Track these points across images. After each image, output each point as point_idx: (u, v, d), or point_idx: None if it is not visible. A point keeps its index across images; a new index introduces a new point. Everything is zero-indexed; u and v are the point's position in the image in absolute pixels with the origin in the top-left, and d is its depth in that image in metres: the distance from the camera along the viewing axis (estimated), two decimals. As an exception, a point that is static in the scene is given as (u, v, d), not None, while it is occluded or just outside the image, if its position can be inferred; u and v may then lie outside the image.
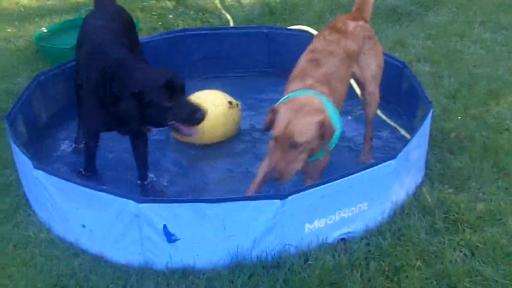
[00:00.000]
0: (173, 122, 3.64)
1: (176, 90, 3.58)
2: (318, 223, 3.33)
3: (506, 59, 5.83)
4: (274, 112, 3.34)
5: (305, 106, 3.32)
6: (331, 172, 3.59)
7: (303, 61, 3.78)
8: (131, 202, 3.10)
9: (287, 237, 3.27)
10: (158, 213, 3.10)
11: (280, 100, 3.51)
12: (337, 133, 3.44)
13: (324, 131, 3.28)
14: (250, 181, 3.68)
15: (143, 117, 3.57)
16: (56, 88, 4.84)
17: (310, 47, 3.88)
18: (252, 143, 4.69)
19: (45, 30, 6.31)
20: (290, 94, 3.53)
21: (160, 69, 3.74)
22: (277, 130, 3.27)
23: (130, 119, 3.60)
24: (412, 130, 4.00)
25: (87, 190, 3.24)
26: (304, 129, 3.26)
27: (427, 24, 6.69)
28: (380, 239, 3.44)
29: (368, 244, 3.43)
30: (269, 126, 3.37)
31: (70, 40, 5.86)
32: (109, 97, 3.65)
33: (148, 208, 3.09)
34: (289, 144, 3.24)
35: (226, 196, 3.43)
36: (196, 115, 3.62)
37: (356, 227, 3.48)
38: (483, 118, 4.77)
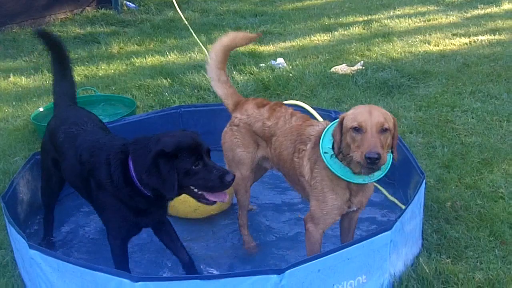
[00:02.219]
0: (197, 188, 3.41)
1: (203, 152, 3.40)
2: (316, 297, 3.30)
3: (497, 127, 5.92)
4: (342, 119, 3.46)
5: (368, 105, 3.50)
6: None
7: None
8: (126, 281, 3.06)
9: (286, 312, 3.23)
10: (154, 291, 3.07)
11: (325, 133, 3.61)
12: (388, 162, 3.50)
13: (395, 123, 3.48)
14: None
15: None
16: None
17: None
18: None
19: (42, 110, 6.39)
20: (328, 127, 3.65)
21: (181, 131, 3.56)
22: (362, 119, 3.34)
23: (168, 185, 3.29)
24: (407, 201, 4.01)
25: (83, 269, 3.20)
26: (388, 116, 3.42)
27: (418, 95, 6.82)
28: (380, 312, 3.41)
29: (367, 318, 3.39)
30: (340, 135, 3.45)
31: (67, 119, 5.96)
32: (138, 176, 3.38)
33: (143, 287, 3.06)
34: (380, 129, 3.33)
35: (226, 271, 3.41)
36: (225, 178, 3.38)
37: (355, 301, 3.44)
38: (477, 187, 4.80)
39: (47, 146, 4.14)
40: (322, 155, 3.54)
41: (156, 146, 3.33)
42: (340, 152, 3.46)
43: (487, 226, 4.27)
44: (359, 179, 3.51)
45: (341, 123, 3.47)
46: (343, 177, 3.50)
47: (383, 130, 3.35)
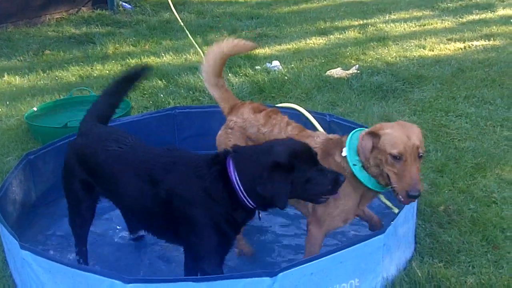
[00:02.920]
0: (313, 194, 3.33)
1: (315, 158, 3.34)
2: (308, 301, 3.30)
3: (490, 132, 5.93)
4: (376, 135, 3.46)
5: (401, 122, 3.56)
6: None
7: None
8: (118, 282, 3.05)
9: (278, 315, 3.22)
10: (145, 293, 3.06)
11: (349, 145, 3.59)
12: None
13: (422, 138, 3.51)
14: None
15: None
16: (46, 167, 4.85)
17: None
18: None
19: (36, 109, 6.38)
20: (355, 132, 3.67)
21: (289, 139, 3.46)
22: (403, 146, 3.36)
23: (282, 197, 3.16)
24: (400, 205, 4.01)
25: (74, 270, 3.19)
26: (421, 138, 3.45)
27: (413, 100, 6.83)
28: (372, 316, 3.41)
29: (359, 322, 3.39)
30: (371, 150, 3.47)
31: (61, 119, 5.95)
32: (247, 187, 3.20)
33: (135, 288, 3.06)
34: (418, 155, 3.38)
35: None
36: (340, 179, 3.33)
37: (348, 304, 3.44)
38: (470, 191, 4.81)
39: (74, 168, 3.76)
40: (352, 167, 3.56)
41: (269, 157, 3.18)
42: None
43: (480, 231, 4.28)
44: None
45: (372, 136, 3.49)
46: (375, 189, 3.61)
47: (420, 157, 3.41)
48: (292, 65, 8.25)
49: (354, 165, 3.56)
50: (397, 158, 3.36)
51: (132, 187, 3.47)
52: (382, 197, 4.69)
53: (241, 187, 3.22)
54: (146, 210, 3.47)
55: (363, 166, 3.54)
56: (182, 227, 3.35)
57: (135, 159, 3.51)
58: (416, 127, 3.52)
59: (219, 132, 4.31)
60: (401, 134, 3.40)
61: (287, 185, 3.16)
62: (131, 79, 4.15)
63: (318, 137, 3.85)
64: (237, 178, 3.22)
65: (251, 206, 3.27)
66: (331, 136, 3.90)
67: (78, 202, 3.82)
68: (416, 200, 4.02)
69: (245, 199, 3.24)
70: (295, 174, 3.18)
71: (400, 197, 3.41)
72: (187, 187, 3.29)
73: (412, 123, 3.66)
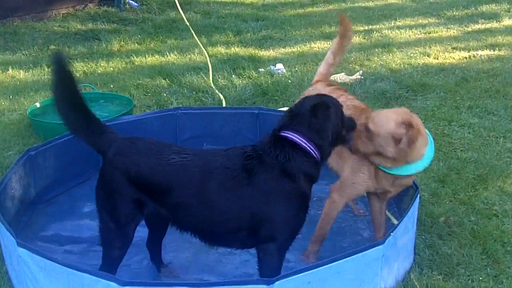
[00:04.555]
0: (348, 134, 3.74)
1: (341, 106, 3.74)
2: (305, 309, 3.28)
3: (493, 144, 5.91)
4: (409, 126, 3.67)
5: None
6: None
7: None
8: (113, 284, 3.04)
9: (274, 323, 3.20)
10: (141, 296, 3.04)
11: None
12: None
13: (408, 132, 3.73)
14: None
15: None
16: (47, 163, 4.84)
17: None
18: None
19: (38, 105, 6.37)
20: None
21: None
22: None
23: (324, 132, 3.50)
24: (400, 215, 3.99)
25: (70, 270, 3.18)
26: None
27: (415, 108, 6.80)
28: (369, 327, 3.38)
29: (356, 333, 3.37)
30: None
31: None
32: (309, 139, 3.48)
33: (131, 291, 3.04)
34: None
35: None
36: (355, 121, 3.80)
37: (344, 314, 3.42)
38: (471, 203, 4.79)
39: (123, 189, 3.48)
40: None
41: (309, 104, 3.56)
42: None
43: (480, 244, 4.26)
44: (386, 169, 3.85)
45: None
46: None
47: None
48: (296, 69, 8.22)
49: None
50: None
51: (213, 195, 3.43)
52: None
53: (306, 143, 3.46)
54: (231, 217, 3.46)
55: None
56: (267, 219, 3.42)
57: (210, 164, 3.47)
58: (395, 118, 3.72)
59: None
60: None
61: (328, 120, 3.52)
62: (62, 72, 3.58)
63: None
64: (305, 141, 3.47)
65: (318, 157, 3.52)
66: None
67: (127, 222, 3.54)
68: (417, 209, 4.03)
69: (313, 152, 3.48)
70: (331, 111, 3.54)
71: None
72: (274, 173, 3.41)
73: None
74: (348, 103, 4.17)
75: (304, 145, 3.46)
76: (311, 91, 4.50)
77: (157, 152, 3.51)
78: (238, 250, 3.90)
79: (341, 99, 4.12)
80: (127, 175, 3.46)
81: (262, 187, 3.40)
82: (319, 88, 4.47)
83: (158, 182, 3.45)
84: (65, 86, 3.54)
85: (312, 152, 3.48)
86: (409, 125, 3.67)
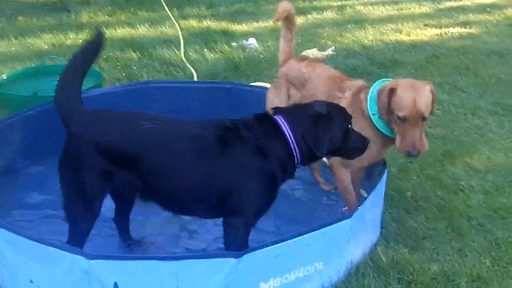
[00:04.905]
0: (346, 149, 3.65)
1: (349, 118, 3.66)
2: (273, 283, 3.29)
3: (461, 120, 5.98)
4: (391, 94, 3.72)
5: (414, 82, 3.82)
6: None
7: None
8: (81, 258, 3.02)
9: (242, 296, 3.23)
10: (109, 270, 3.02)
11: (371, 95, 3.89)
12: None
13: (434, 97, 3.79)
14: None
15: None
16: (14, 137, 4.77)
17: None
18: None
19: (5, 77, 6.26)
20: (379, 83, 3.95)
21: (324, 101, 3.73)
22: (408, 110, 3.66)
23: (321, 143, 3.45)
24: (369, 189, 4.03)
25: (36, 244, 3.14)
26: (429, 102, 3.71)
27: (387, 84, 6.83)
28: (335, 300, 3.42)
29: (323, 305, 3.40)
30: (387, 107, 3.75)
31: (31, 88, 5.86)
32: (297, 137, 3.45)
33: (98, 265, 3.01)
34: (421, 118, 3.68)
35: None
36: (366, 141, 3.69)
37: (311, 287, 3.45)
38: (438, 178, 4.85)
39: (91, 160, 3.40)
40: (371, 116, 3.87)
41: (313, 110, 3.51)
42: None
43: (446, 218, 4.32)
44: None
45: (387, 96, 3.74)
46: (392, 136, 3.86)
47: (423, 119, 3.70)
48: (269, 44, 8.20)
49: (373, 114, 3.86)
50: (401, 119, 3.68)
51: (185, 163, 3.40)
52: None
53: (292, 139, 3.44)
54: (201, 185, 3.44)
55: (379, 117, 3.85)
56: (235, 191, 3.42)
57: (184, 132, 3.45)
58: (427, 88, 3.76)
59: (270, 86, 4.77)
60: (408, 98, 3.67)
61: (327, 134, 3.46)
62: (93, 50, 3.82)
63: (357, 81, 4.18)
64: (290, 132, 3.45)
65: (297, 160, 3.50)
66: (366, 84, 4.14)
67: (94, 196, 3.49)
68: (385, 184, 4.07)
69: (295, 153, 3.46)
70: (334, 125, 3.49)
71: (400, 151, 3.79)
72: (249, 148, 3.41)
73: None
74: (324, 73, 4.27)
75: (288, 136, 3.45)
76: (285, 70, 4.50)
77: (127, 120, 3.48)
78: (210, 226, 3.96)
79: (317, 70, 4.31)
80: (96, 147, 3.39)
81: (235, 159, 3.39)
82: (293, 65, 4.49)
83: (130, 150, 3.40)
84: (86, 60, 3.70)
85: (293, 147, 3.46)
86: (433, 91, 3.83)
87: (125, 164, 3.42)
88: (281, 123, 3.47)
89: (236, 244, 3.42)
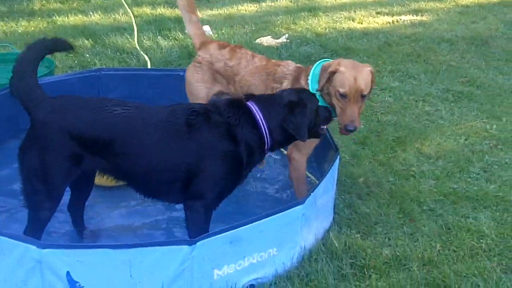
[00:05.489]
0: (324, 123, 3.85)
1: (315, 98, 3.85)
2: (227, 269, 3.32)
3: (413, 107, 6.09)
4: (333, 71, 3.86)
5: (355, 63, 4.02)
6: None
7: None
8: (33, 247, 2.99)
9: (196, 283, 3.23)
10: (61, 259, 3.00)
11: (312, 75, 4.02)
12: None
13: (373, 78, 3.96)
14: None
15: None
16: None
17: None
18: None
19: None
20: (320, 63, 4.08)
21: (290, 89, 3.92)
22: (348, 87, 3.81)
23: (301, 129, 3.60)
24: (321, 176, 4.08)
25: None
26: (368, 81, 3.89)
27: (339, 71, 6.90)
28: (289, 285, 3.45)
29: (276, 290, 3.43)
30: (327, 84, 3.90)
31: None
32: (271, 125, 3.59)
33: (50, 254, 2.99)
34: (360, 96, 3.84)
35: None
36: (330, 112, 3.90)
37: (265, 273, 3.49)
38: (390, 164, 4.93)
39: (60, 144, 3.39)
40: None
41: (287, 99, 3.65)
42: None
43: (397, 203, 4.40)
44: None
45: (330, 74, 3.87)
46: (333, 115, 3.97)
47: (362, 97, 3.87)
48: (223, 31, 8.18)
49: (316, 91, 3.97)
50: (342, 95, 3.83)
51: (154, 146, 3.45)
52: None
53: (265, 126, 3.58)
54: (168, 168, 3.50)
55: (321, 94, 3.97)
56: (200, 172, 3.47)
57: (153, 117, 3.51)
58: (367, 69, 3.94)
59: (189, 66, 4.66)
60: (350, 76, 3.83)
61: (305, 119, 3.63)
62: (53, 48, 3.97)
63: (289, 65, 4.23)
64: (262, 119, 3.58)
65: (268, 145, 3.64)
66: (299, 65, 4.28)
67: (60, 182, 3.47)
68: (337, 170, 4.12)
69: (266, 138, 3.60)
70: (308, 110, 3.65)
71: (340, 128, 3.93)
72: (217, 131, 3.49)
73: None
74: (251, 66, 4.30)
75: (260, 123, 3.57)
76: (209, 58, 4.45)
77: (96, 106, 3.49)
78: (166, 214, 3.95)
79: (242, 63, 4.32)
80: (64, 132, 3.38)
81: (201, 142, 3.45)
82: (216, 53, 4.44)
83: (102, 134, 3.42)
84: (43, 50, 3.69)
85: (264, 134, 3.59)
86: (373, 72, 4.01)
87: (96, 148, 3.43)
88: (254, 109, 3.60)
89: (197, 227, 3.47)
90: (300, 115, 3.60)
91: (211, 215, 3.58)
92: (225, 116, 3.53)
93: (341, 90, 3.82)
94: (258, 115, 3.58)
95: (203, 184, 3.49)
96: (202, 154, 3.46)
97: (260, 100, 3.68)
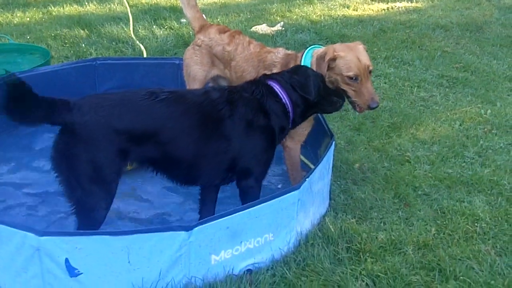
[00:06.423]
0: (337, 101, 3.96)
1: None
2: (224, 254, 3.36)
3: (407, 93, 6.12)
4: (332, 58, 3.87)
5: (347, 44, 4.03)
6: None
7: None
8: (31, 234, 3.01)
9: (194, 269, 3.27)
10: (59, 246, 3.02)
11: (308, 53, 4.08)
12: None
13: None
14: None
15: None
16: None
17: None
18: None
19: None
20: (310, 49, 4.13)
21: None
22: (357, 68, 3.83)
23: (306, 87, 3.76)
24: (317, 161, 4.10)
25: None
26: (368, 56, 3.94)
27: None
28: (286, 270, 3.49)
29: (273, 275, 3.47)
30: (328, 72, 3.91)
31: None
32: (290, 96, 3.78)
33: (49, 241, 3.01)
34: (368, 73, 3.88)
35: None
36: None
37: (262, 258, 3.53)
38: (385, 150, 4.97)
39: (108, 141, 3.34)
40: None
41: (300, 71, 3.87)
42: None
43: (392, 188, 4.43)
44: None
45: (329, 61, 3.88)
46: None
47: (370, 72, 3.91)
48: (218, 20, 8.19)
49: None
50: (353, 79, 3.85)
51: (196, 130, 3.52)
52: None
53: (284, 95, 3.76)
54: (216, 147, 3.58)
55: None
56: (243, 153, 3.64)
57: (193, 99, 3.60)
58: (361, 46, 4.00)
59: (188, 48, 4.74)
60: (353, 57, 3.86)
61: (309, 79, 3.78)
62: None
63: (278, 52, 4.28)
64: (280, 89, 3.77)
65: (291, 116, 3.82)
66: (289, 51, 4.32)
67: (113, 179, 3.42)
68: (333, 155, 4.16)
69: (287, 106, 3.77)
70: (309, 71, 3.85)
71: (359, 109, 3.94)
72: (252, 106, 3.67)
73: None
74: (246, 53, 4.36)
75: (281, 95, 3.77)
76: (208, 42, 4.53)
77: (130, 98, 3.46)
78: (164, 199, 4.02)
79: (239, 49, 4.39)
80: (110, 129, 3.32)
81: (242, 118, 3.61)
82: (215, 37, 4.52)
83: (148, 125, 3.42)
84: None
85: (287, 104, 3.77)
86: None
87: (144, 138, 3.42)
88: (271, 83, 3.80)
89: (253, 199, 3.58)
90: (303, 74, 3.79)
91: (261, 186, 3.79)
92: (250, 92, 3.72)
93: (350, 74, 3.84)
94: (276, 87, 3.77)
95: (250, 160, 3.68)
96: (245, 131, 3.62)
97: (272, 76, 3.88)
